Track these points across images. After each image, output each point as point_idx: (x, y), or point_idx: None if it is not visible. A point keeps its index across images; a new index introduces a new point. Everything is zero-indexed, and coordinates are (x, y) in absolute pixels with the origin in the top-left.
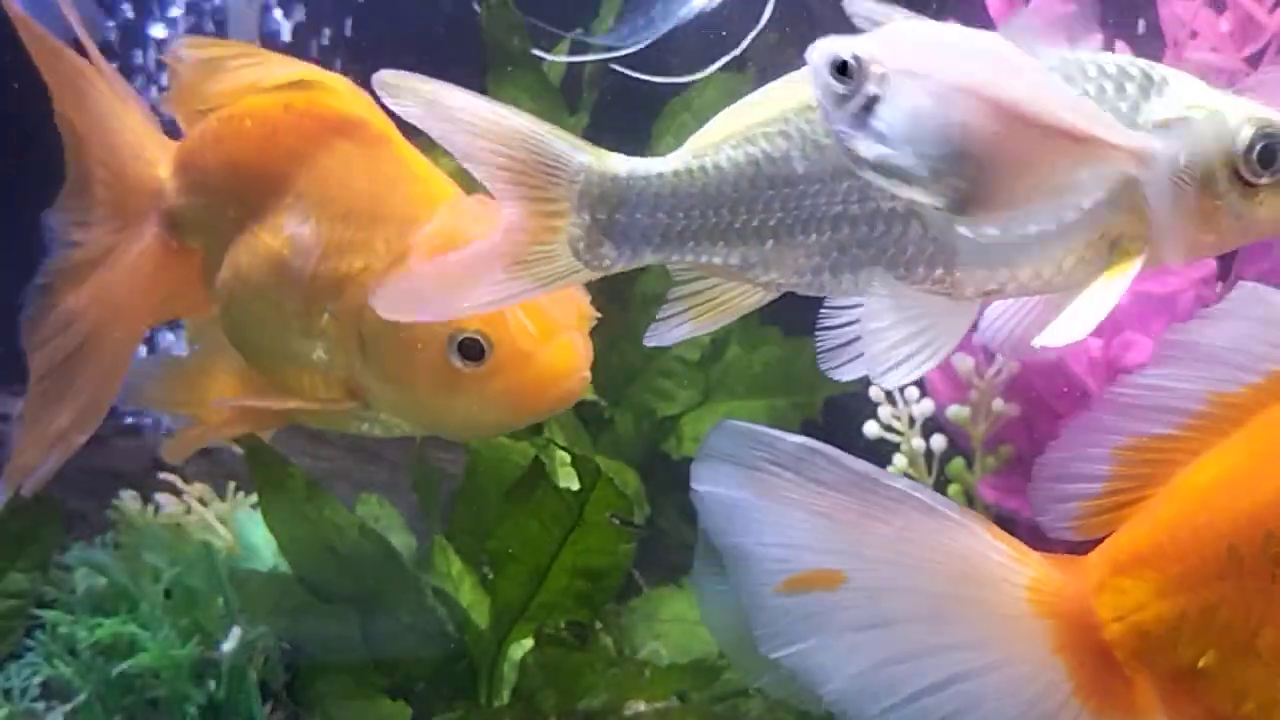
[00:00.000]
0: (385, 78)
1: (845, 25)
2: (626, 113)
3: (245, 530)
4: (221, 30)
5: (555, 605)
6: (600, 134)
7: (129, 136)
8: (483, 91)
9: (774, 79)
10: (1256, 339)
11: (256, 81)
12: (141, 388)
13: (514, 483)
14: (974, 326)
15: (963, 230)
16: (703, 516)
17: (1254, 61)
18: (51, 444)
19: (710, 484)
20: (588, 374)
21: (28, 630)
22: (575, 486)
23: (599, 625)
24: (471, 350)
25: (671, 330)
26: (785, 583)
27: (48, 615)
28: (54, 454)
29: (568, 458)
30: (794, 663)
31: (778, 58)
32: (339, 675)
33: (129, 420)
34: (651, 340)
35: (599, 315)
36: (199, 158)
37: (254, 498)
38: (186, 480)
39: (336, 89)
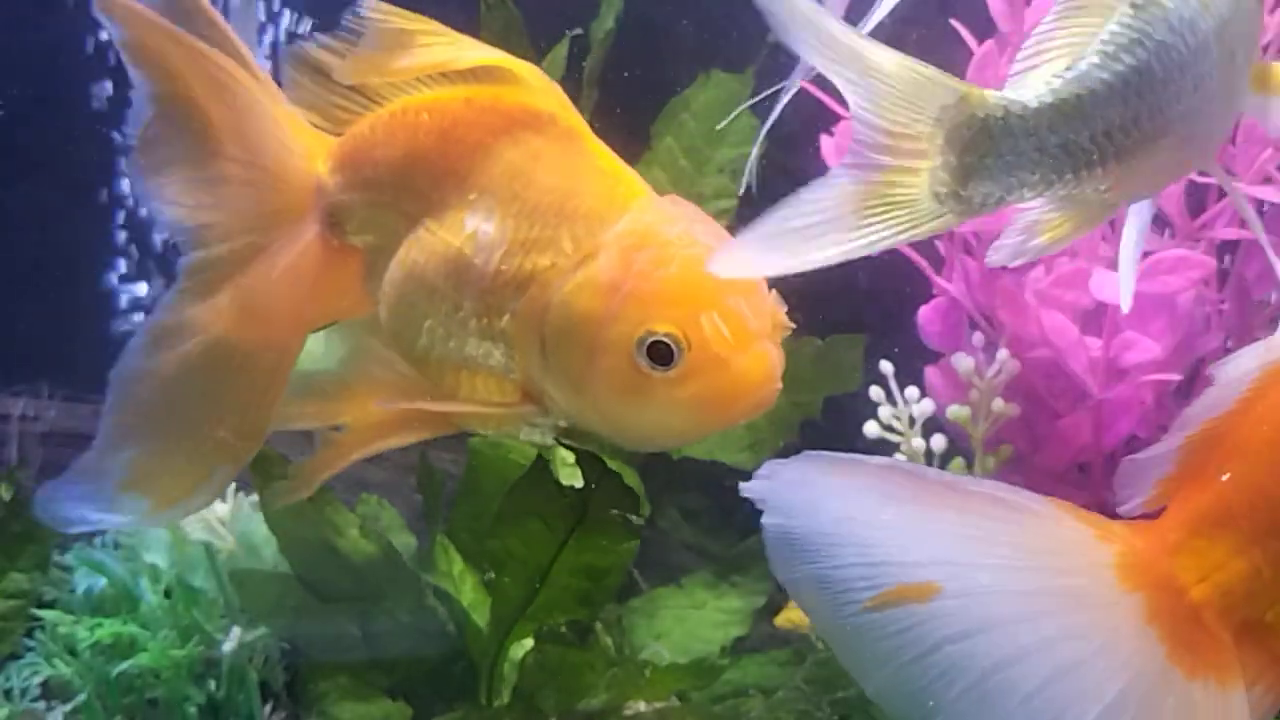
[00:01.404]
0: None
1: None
2: (627, 113)
3: (246, 530)
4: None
5: (556, 604)
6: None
7: (277, 131)
8: None
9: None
10: None
11: (447, 62)
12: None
13: (516, 481)
14: (971, 327)
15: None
16: (772, 553)
17: None
18: (215, 457)
19: (783, 517)
20: (779, 385)
21: (28, 630)
22: (577, 485)
23: (599, 625)
24: (661, 354)
25: (1023, 246)
26: (875, 599)
27: (48, 615)
28: (224, 468)
29: (569, 456)
30: (890, 683)
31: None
32: (339, 675)
33: None
34: (998, 259)
35: (793, 326)
36: (367, 152)
37: (254, 498)
38: None
39: (528, 80)
